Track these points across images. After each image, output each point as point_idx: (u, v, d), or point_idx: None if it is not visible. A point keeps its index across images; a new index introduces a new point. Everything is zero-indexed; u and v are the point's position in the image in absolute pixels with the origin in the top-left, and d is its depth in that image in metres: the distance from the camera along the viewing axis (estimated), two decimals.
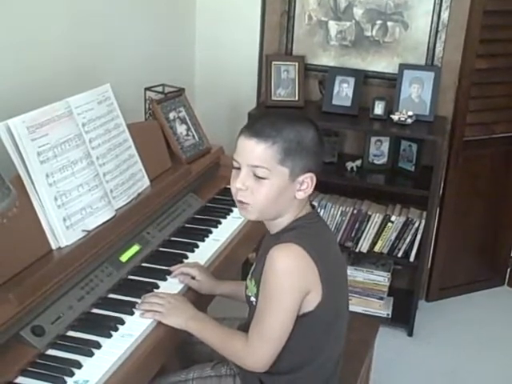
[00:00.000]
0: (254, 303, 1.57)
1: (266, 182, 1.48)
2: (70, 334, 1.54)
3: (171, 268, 1.82)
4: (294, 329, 1.49)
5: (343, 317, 1.62)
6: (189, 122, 2.39)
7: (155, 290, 1.73)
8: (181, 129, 2.35)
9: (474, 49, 2.92)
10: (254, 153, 1.46)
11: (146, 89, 2.41)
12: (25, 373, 1.40)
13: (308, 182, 1.50)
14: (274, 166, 1.46)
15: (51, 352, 1.47)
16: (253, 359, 1.52)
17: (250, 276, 1.63)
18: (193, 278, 1.79)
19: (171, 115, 2.33)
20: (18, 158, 1.61)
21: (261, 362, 1.52)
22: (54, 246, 1.66)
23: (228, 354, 1.58)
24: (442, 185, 3.14)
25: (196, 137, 2.40)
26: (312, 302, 1.48)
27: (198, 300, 1.77)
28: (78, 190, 1.75)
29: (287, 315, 1.47)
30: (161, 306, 1.61)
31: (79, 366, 1.43)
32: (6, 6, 1.89)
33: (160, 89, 2.43)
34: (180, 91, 2.43)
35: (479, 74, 2.98)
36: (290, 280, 1.45)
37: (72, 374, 1.40)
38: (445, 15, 2.90)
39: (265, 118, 1.52)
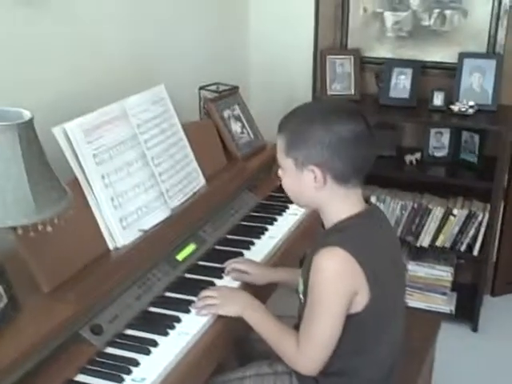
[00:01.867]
0: (301, 301, 1.57)
1: (285, 174, 1.53)
2: (128, 332, 1.56)
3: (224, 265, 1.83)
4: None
5: (397, 319, 1.58)
6: (243, 120, 2.40)
7: None
8: (235, 126, 2.36)
9: None
10: (277, 146, 1.53)
11: (201, 88, 2.43)
12: (84, 370, 1.43)
13: (317, 174, 1.46)
14: (282, 157, 1.51)
15: (109, 350, 1.50)
16: (302, 363, 1.52)
17: (301, 272, 1.61)
18: (245, 273, 1.79)
19: (226, 113, 2.34)
20: (75, 160, 1.64)
21: (310, 366, 1.50)
22: (111, 246, 1.69)
23: (280, 352, 1.57)
24: (507, 176, 3.03)
25: (251, 134, 2.40)
26: (359, 303, 1.45)
27: (257, 296, 1.75)
28: (134, 191, 1.77)
29: (336, 319, 1.45)
30: (214, 298, 1.62)
31: (136, 364, 1.44)
32: (64, 9, 1.93)
33: (214, 87, 2.44)
34: (234, 89, 2.44)
35: None
36: (336, 285, 1.43)
37: (129, 372, 1.42)
38: (506, 0, 2.80)
39: (296, 109, 1.54)
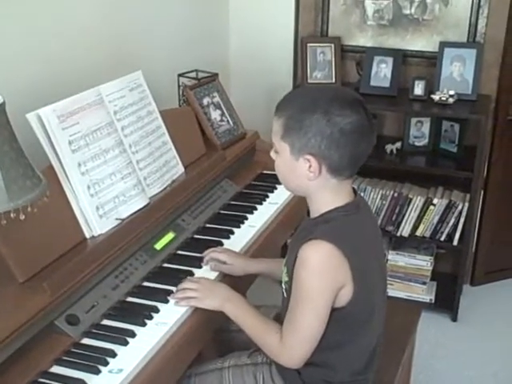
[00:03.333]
0: (285, 292, 1.55)
1: (278, 156, 1.49)
2: (105, 322, 1.54)
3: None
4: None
5: (379, 311, 1.56)
6: (223, 107, 2.36)
7: None
8: (215, 114, 2.32)
9: None
10: (273, 127, 1.49)
11: (179, 75, 2.39)
12: (59, 362, 1.40)
13: (312, 163, 1.42)
14: (278, 141, 1.47)
15: (86, 341, 1.47)
16: (287, 357, 1.50)
17: (284, 262, 1.59)
18: (223, 263, 1.76)
19: (205, 101, 2.30)
20: (50, 147, 1.60)
21: (295, 359, 1.49)
22: (87, 235, 1.66)
23: (261, 345, 1.55)
24: (486, 166, 3.04)
25: (230, 122, 2.37)
26: (344, 296, 1.44)
27: (236, 286, 1.74)
28: (111, 179, 1.74)
29: (320, 314, 1.44)
30: (194, 290, 1.60)
31: (113, 354, 1.42)
32: None
33: (193, 74, 2.40)
34: (213, 76, 2.40)
35: None
36: (322, 279, 1.41)
37: (106, 363, 1.39)
38: None
39: (297, 92, 1.53)
